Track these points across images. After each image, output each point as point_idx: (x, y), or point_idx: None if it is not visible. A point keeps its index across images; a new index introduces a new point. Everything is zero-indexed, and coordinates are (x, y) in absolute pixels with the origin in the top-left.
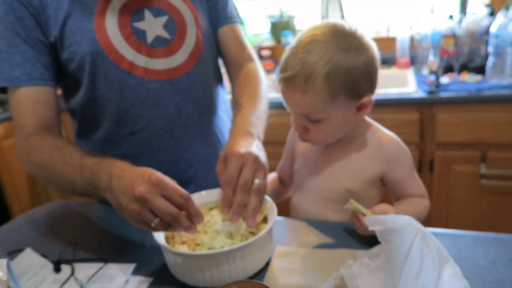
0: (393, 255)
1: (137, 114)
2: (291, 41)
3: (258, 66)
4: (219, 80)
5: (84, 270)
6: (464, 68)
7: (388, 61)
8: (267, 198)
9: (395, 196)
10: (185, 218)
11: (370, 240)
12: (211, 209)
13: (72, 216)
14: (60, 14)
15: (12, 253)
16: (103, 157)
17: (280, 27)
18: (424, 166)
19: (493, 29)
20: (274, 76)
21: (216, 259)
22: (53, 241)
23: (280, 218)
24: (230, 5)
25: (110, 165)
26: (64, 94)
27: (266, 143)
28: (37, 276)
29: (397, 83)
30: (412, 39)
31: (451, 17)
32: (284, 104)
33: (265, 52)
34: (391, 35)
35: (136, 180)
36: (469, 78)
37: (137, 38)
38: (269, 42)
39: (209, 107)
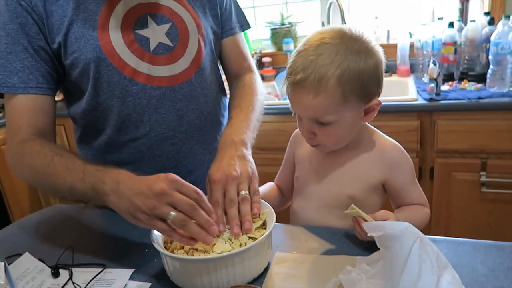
0: (391, 261)
1: (138, 120)
2: (292, 48)
3: (256, 76)
4: (220, 87)
5: (82, 275)
6: (464, 76)
7: (389, 69)
8: (266, 204)
9: (396, 204)
10: (202, 211)
11: (369, 246)
12: None
13: (71, 220)
14: (65, 21)
15: (10, 258)
16: (106, 165)
17: (281, 34)
18: (424, 174)
19: (493, 37)
20: (275, 83)
21: (215, 264)
22: (52, 245)
23: (279, 224)
24: (235, 13)
25: (116, 172)
26: (66, 100)
27: (263, 150)
28: (35, 281)
29: (398, 91)
30: (412, 47)
31: (451, 25)
32: (291, 108)
33: (266, 59)
34: (392, 42)
35: (152, 180)
36: (469, 86)
37: (140, 46)
38: (270, 49)
39: (210, 114)
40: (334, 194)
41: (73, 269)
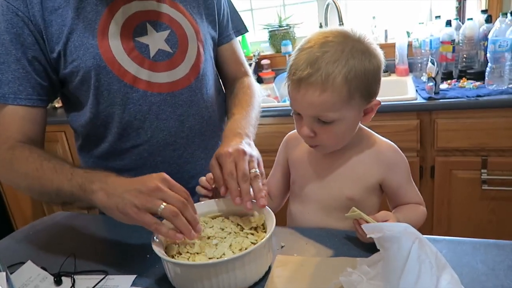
0: (391, 262)
1: (140, 127)
2: (291, 50)
3: (252, 80)
4: (219, 92)
5: (85, 282)
6: (463, 74)
7: (387, 68)
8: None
9: (393, 203)
10: (191, 208)
11: (369, 248)
12: (214, 217)
13: (73, 228)
14: (64, 30)
15: (12, 266)
16: (94, 168)
17: (279, 36)
18: (425, 173)
19: (491, 35)
20: (274, 85)
21: (216, 269)
22: (54, 253)
23: (279, 226)
24: (231, 18)
25: (104, 174)
26: (66, 109)
27: (263, 152)
28: None
29: (396, 90)
30: (410, 46)
31: (448, 23)
32: (292, 107)
33: (265, 61)
34: (390, 42)
35: (146, 178)
36: (468, 84)
37: (139, 53)
38: (268, 51)
39: (211, 119)
40: (333, 196)
41: (76, 277)
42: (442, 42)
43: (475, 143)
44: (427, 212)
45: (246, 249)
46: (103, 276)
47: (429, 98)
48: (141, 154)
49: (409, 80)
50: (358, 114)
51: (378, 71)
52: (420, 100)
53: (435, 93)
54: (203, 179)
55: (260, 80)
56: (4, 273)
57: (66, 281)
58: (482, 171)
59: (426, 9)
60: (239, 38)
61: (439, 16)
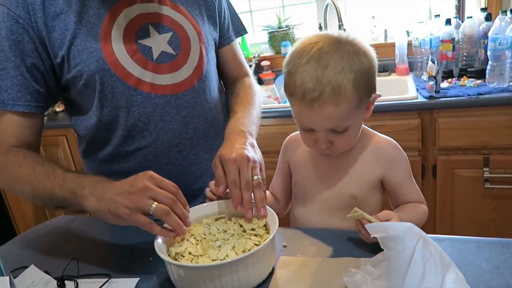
0: (395, 262)
1: (144, 129)
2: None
3: (253, 80)
4: (221, 92)
5: (88, 285)
6: (463, 72)
7: (387, 68)
8: (268, 208)
9: (394, 202)
10: (180, 204)
11: (373, 248)
12: (217, 219)
13: (75, 231)
14: (67, 35)
15: (15, 271)
16: (85, 172)
17: (278, 38)
18: (427, 172)
19: (490, 33)
20: (275, 87)
21: (219, 271)
22: (57, 257)
23: (282, 227)
24: (231, 20)
25: (94, 178)
26: (70, 113)
27: (265, 153)
28: None
29: (397, 90)
30: (410, 45)
31: (448, 22)
32: (304, 123)
33: (265, 63)
34: (389, 41)
35: (132, 178)
36: (469, 82)
37: (143, 55)
38: (268, 52)
39: (215, 120)
40: (336, 195)
41: (79, 280)
42: (442, 41)
43: (476, 142)
44: (430, 211)
45: (249, 250)
46: (106, 279)
47: (430, 97)
48: (146, 157)
49: (409, 79)
50: (364, 112)
51: (375, 66)
52: (420, 99)
53: (436, 92)
54: (212, 183)
55: (260, 82)
56: (7, 278)
57: (69, 285)
58: (484, 169)
59: (425, 8)
60: (239, 39)
61: (439, 15)
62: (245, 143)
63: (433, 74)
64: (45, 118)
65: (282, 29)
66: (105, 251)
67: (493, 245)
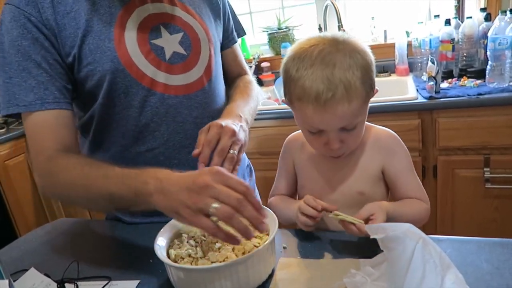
0: (395, 263)
1: (156, 130)
2: None
3: (253, 79)
4: (227, 94)
5: None
6: (463, 72)
7: (387, 69)
8: (267, 209)
9: (394, 196)
10: (250, 205)
11: (373, 249)
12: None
13: (75, 234)
14: (78, 33)
15: (15, 274)
16: (139, 168)
17: (278, 39)
18: (427, 172)
19: (490, 33)
20: (275, 88)
21: (219, 273)
22: (57, 260)
23: (281, 229)
24: (233, 22)
25: (153, 171)
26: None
27: (264, 154)
28: None
29: (397, 90)
30: (410, 46)
31: (448, 22)
32: (314, 125)
33: (265, 64)
34: (389, 42)
35: (196, 174)
36: (469, 82)
37: (156, 55)
38: (268, 53)
39: None
40: (344, 194)
41: (79, 283)
42: (441, 41)
43: (477, 142)
44: (431, 212)
45: (249, 252)
46: (106, 281)
47: (430, 98)
48: (156, 157)
49: (409, 80)
50: (367, 107)
51: (373, 62)
52: (421, 100)
53: (436, 92)
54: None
55: (260, 83)
56: (7, 281)
57: None
58: (485, 169)
59: (425, 8)
60: (239, 40)
61: (438, 15)
62: (237, 123)
63: (433, 74)
64: None
65: (282, 30)
66: (105, 253)
67: (493, 245)
